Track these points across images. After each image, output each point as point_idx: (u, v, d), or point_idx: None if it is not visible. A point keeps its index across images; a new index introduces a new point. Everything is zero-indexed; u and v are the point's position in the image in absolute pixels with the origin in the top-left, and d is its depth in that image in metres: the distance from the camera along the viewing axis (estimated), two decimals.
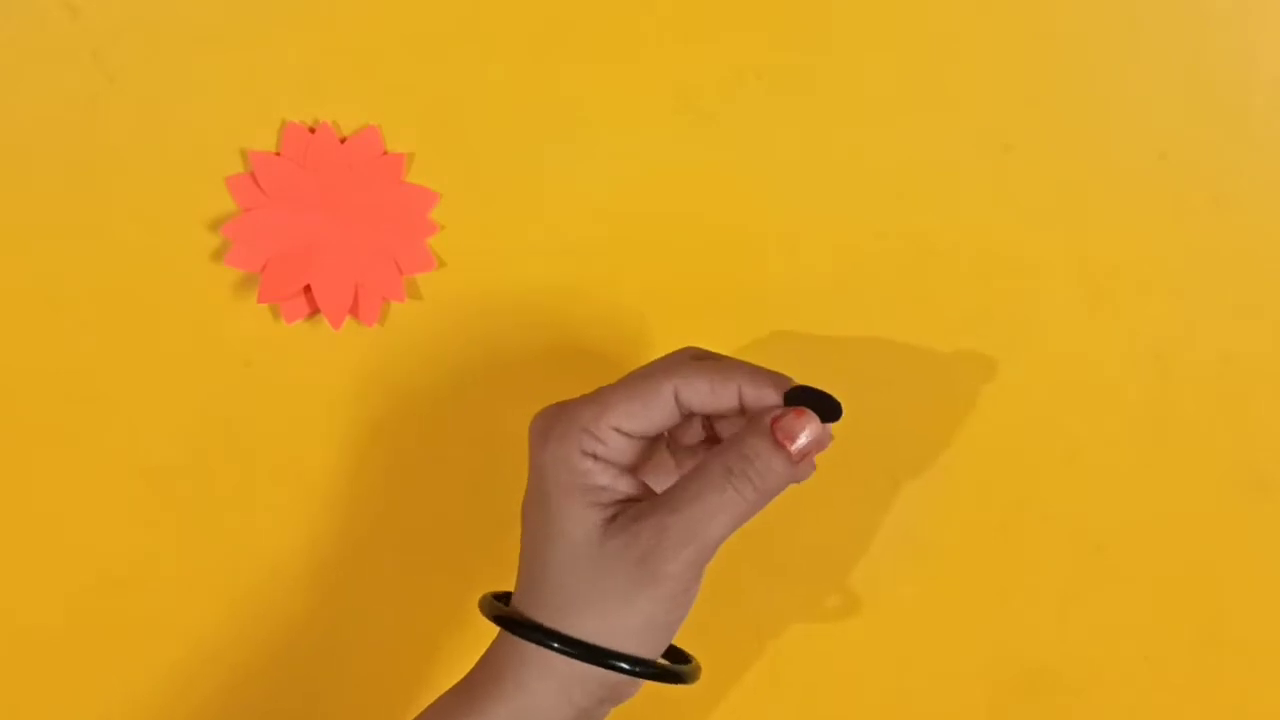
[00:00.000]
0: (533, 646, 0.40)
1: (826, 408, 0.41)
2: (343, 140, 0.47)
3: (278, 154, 0.47)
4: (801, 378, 0.48)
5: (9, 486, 0.50)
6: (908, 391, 0.48)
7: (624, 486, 0.41)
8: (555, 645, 0.39)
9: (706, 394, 0.41)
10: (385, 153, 0.47)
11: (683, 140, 0.47)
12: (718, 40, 0.46)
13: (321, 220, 0.47)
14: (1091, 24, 0.46)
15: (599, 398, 0.41)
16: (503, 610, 0.41)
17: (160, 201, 0.48)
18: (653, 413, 0.41)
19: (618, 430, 0.41)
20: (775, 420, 0.40)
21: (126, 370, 0.49)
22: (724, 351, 0.42)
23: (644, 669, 0.40)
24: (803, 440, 0.40)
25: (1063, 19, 0.46)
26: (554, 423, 0.41)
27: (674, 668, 0.42)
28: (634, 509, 0.40)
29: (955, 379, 0.48)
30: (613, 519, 0.40)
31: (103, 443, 0.49)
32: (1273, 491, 0.48)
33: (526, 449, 0.41)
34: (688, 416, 0.42)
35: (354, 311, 0.48)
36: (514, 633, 0.40)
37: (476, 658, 0.41)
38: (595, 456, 0.40)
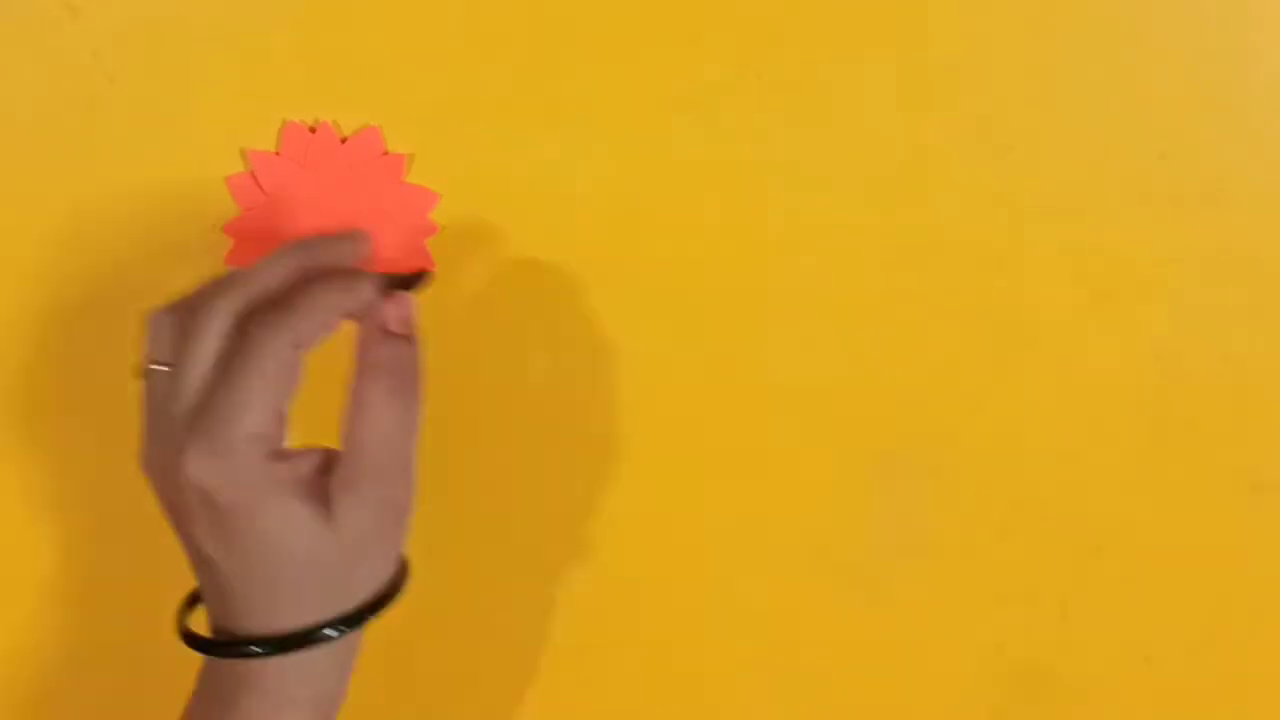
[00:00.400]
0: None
1: (407, 280, 0.42)
2: (343, 140, 0.47)
3: (278, 154, 0.47)
4: (802, 378, 0.48)
5: (10, 488, 0.50)
6: (907, 391, 0.48)
7: (306, 462, 0.40)
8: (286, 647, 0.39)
9: (323, 330, 0.40)
10: (385, 153, 0.47)
11: (683, 140, 0.47)
12: (718, 40, 0.46)
13: (321, 220, 0.47)
14: (1092, 24, 0.46)
15: (239, 399, 0.38)
16: (221, 638, 0.40)
17: (160, 201, 0.48)
18: (295, 380, 0.40)
19: (281, 414, 0.39)
20: (389, 322, 0.42)
21: (126, 371, 0.49)
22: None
23: (361, 617, 0.41)
24: (415, 319, 0.42)
25: (1063, 19, 0.46)
26: (199, 442, 0.38)
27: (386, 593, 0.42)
28: (336, 479, 0.40)
29: (955, 379, 0.48)
30: (325, 503, 0.39)
31: (105, 445, 0.49)
32: (1273, 491, 0.48)
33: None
34: None
35: None
36: (243, 655, 0.40)
37: None
38: (280, 455, 0.39)
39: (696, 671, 0.51)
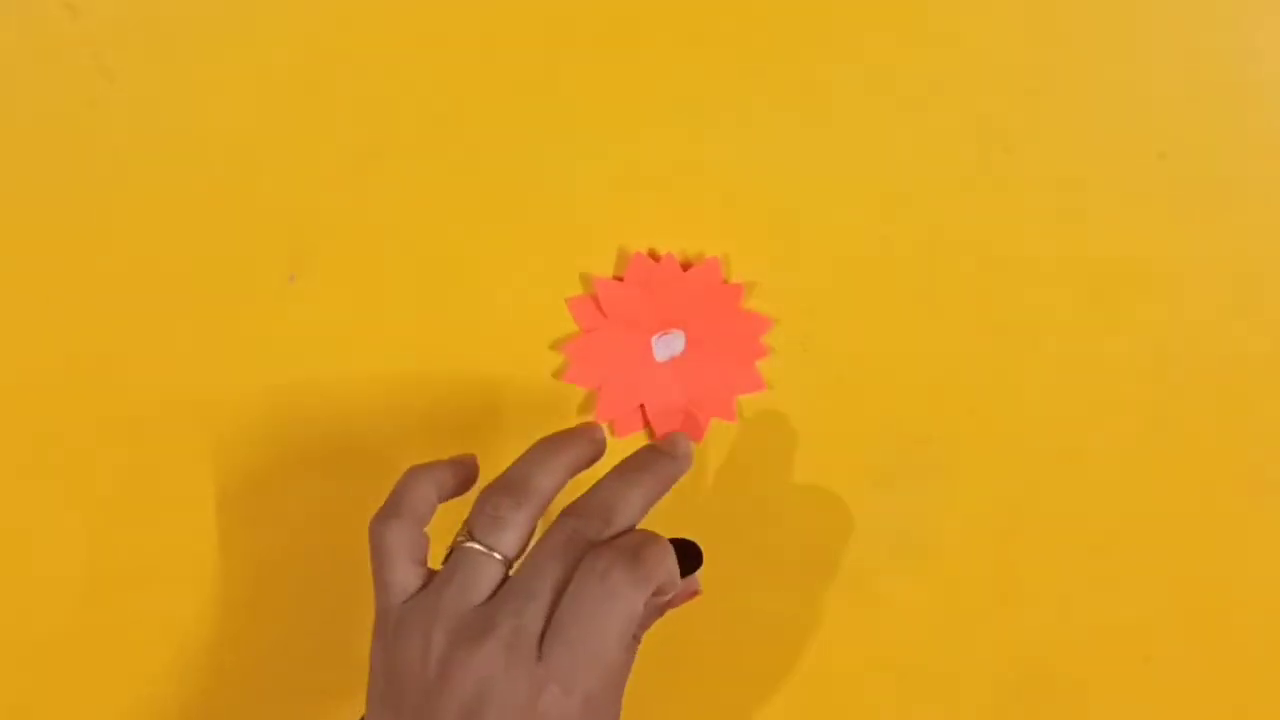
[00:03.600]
0: None
1: (688, 557, 0.42)
2: (685, 268, 0.47)
3: (620, 279, 0.47)
4: (802, 378, 0.48)
5: (10, 490, 0.50)
6: (907, 391, 0.48)
7: None
8: None
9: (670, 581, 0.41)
10: (725, 282, 0.48)
11: (683, 140, 0.47)
12: (718, 40, 0.46)
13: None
14: (1091, 24, 0.46)
15: (597, 649, 0.39)
16: None
17: (161, 200, 0.48)
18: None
19: None
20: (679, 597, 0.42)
21: (126, 372, 0.49)
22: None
23: None
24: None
25: (1063, 19, 0.46)
26: (555, 673, 0.39)
27: None
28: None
29: (955, 379, 0.48)
30: None
31: (106, 443, 0.49)
32: (1273, 491, 0.48)
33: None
34: None
35: (681, 429, 0.48)
36: None
37: None
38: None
39: (698, 670, 0.51)
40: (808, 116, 0.47)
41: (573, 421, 0.49)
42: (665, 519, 0.50)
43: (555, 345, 0.48)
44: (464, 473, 0.44)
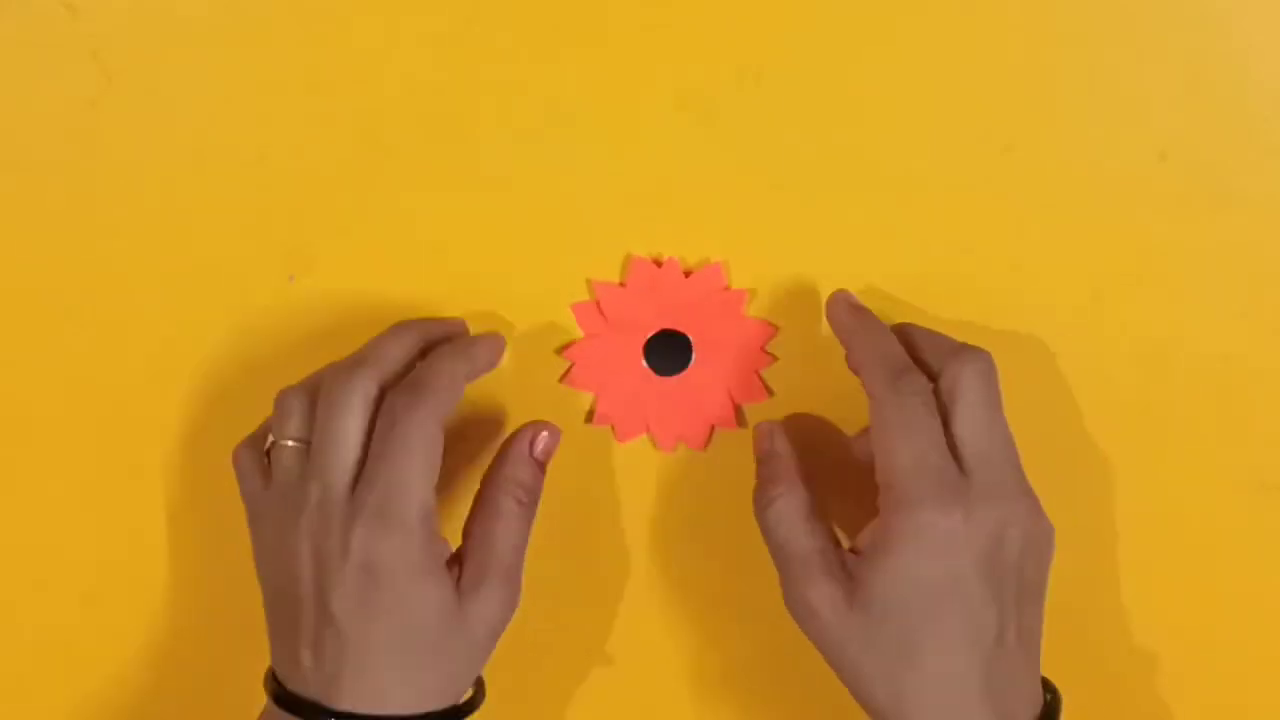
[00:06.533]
0: None
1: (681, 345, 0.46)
2: (687, 274, 0.47)
3: (622, 285, 0.47)
4: (802, 378, 0.48)
5: (13, 492, 0.50)
6: None
7: (446, 550, 0.43)
8: None
9: (454, 402, 0.43)
10: (727, 288, 0.47)
11: (683, 140, 0.47)
12: (718, 40, 0.46)
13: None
14: (1091, 24, 0.46)
15: (402, 477, 0.41)
16: (331, 710, 0.41)
17: (161, 200, 0.48)
18: (439, 454, 0.42)
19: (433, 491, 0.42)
20: (534, 446, 0.46)
21: (126, 372, 0.49)
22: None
23: (472, 704, 0.43)
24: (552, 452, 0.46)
25: (1063, 19, 0.46)
26: (369, 516, 0.41)
27: (476, 692, 0.44)
28: (467, 574, 0.42)
29: None
30: (457, 591, 0.42)
31: (107, 444, 0.49)
32: (1273, 491, 0.48)
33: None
34: None
35: (683, 436, 0.48)
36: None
37: None
38: (439, 536, 0.42)
39: (701, 668, 0.51)
40: (807, 116, 0.47)
41: (578, 426, 0.49)
42: (672, 521, 0.50)
43: (559, 350, 0.48)
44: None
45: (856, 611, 0.41)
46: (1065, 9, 0.46)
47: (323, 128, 0.47)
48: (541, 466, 0.46)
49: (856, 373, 0.44)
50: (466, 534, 0.44)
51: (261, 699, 0.43)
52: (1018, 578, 0.42)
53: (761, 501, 0.44)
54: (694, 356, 0.48)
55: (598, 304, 0.47)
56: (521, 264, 0.48)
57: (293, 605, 0.42)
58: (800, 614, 0.42)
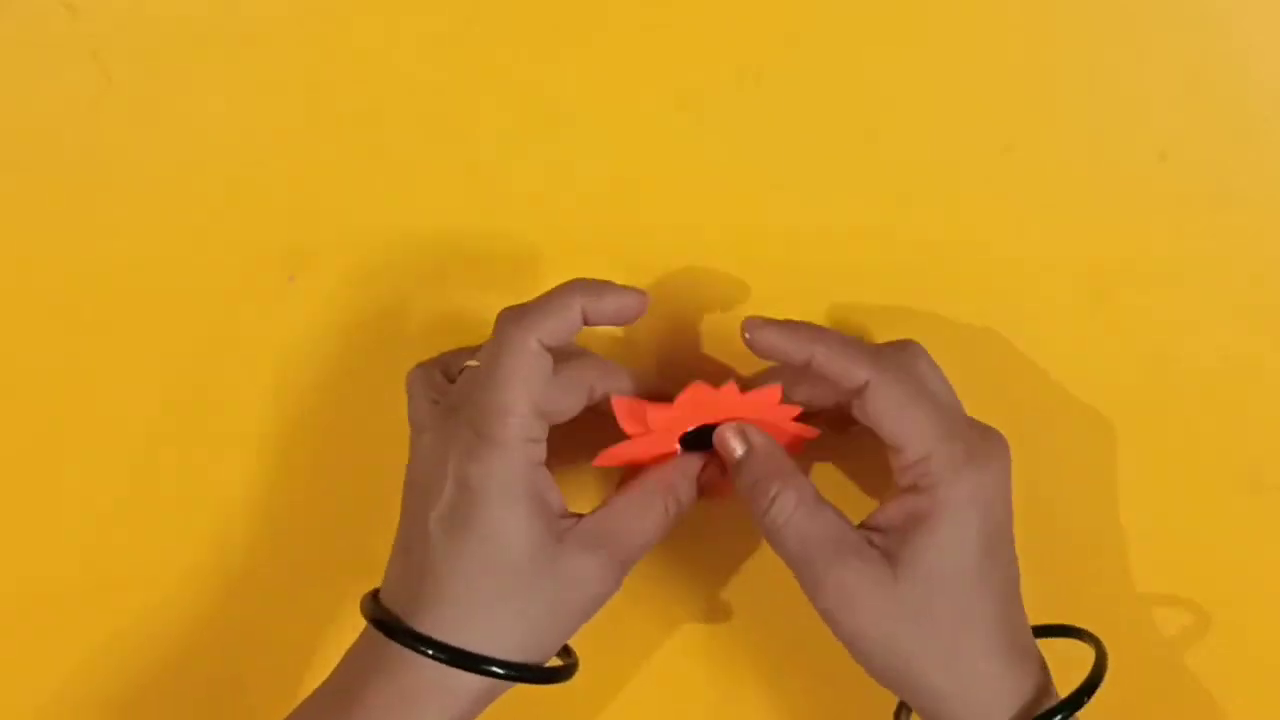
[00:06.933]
0: (416, 656, 0.40)
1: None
2: (743, 391, 0.44)
3: (676, 407, 0.44)
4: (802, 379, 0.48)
5: (10, 490, 0.50)
6: None
7: (558, 498, 0.42)
8: (455, 662, 0.40)
9: (561, 325, 0.42)
10: (780, 403, 0.44)
11: (683, 140, 0.47)
12: (718, 40, 0.46)
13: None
14: (1091, 24, 0.46)
15: (497, 397, 0.41)
16: (389, 617, 0.41)
17: (161, 200, 0.48)
18: (542, 375, 0.41)
19: (539, 414, 0.41)
20: (701, 473, 0.44)
21: (126, 372, 0.49)
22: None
23: (556, 674, 0.42)
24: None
25: (1063, 19, 0.46)
26: (468, 434, 0.41)
27: (564, 665, 0.43)
28: (580, 529, 0.42)
29: (954, 379, 0.48)
30: (561, 538, 0.41)
31: (107, 444, 0.49)
32: (1273, 491, 0.48)
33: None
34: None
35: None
36: (404, 642, 0.40)
37: None
38: (541, 464, 0.41)
39: (701, 669, 0.51)
40: (807, 117, 0.47)
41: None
42: (689, 529, 0.50)
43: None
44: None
45: (904, 589, 0.40)
46: (1065, 9, 0.46)
47: (323, 128, 0.47)
48: (702, 494, 0.45)
49: (826, 373, 0.42)
50: (606, 502, 0.43)
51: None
52: (1011, 520, 0.42)
53: (761, 504, 0.42)
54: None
55: (644, 408, 0.44)
56: (521, 264, 0.48)
57: (404, 519, 0.42)
58: (835, 604, 0.41)
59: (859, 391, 0.42)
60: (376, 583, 0.43)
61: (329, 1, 0.47)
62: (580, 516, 0.43)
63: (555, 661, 0.43)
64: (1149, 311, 0.48)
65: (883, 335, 0.48)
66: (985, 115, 0.47)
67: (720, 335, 0.48)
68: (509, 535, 0.40)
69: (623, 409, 0.44)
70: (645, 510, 0.43)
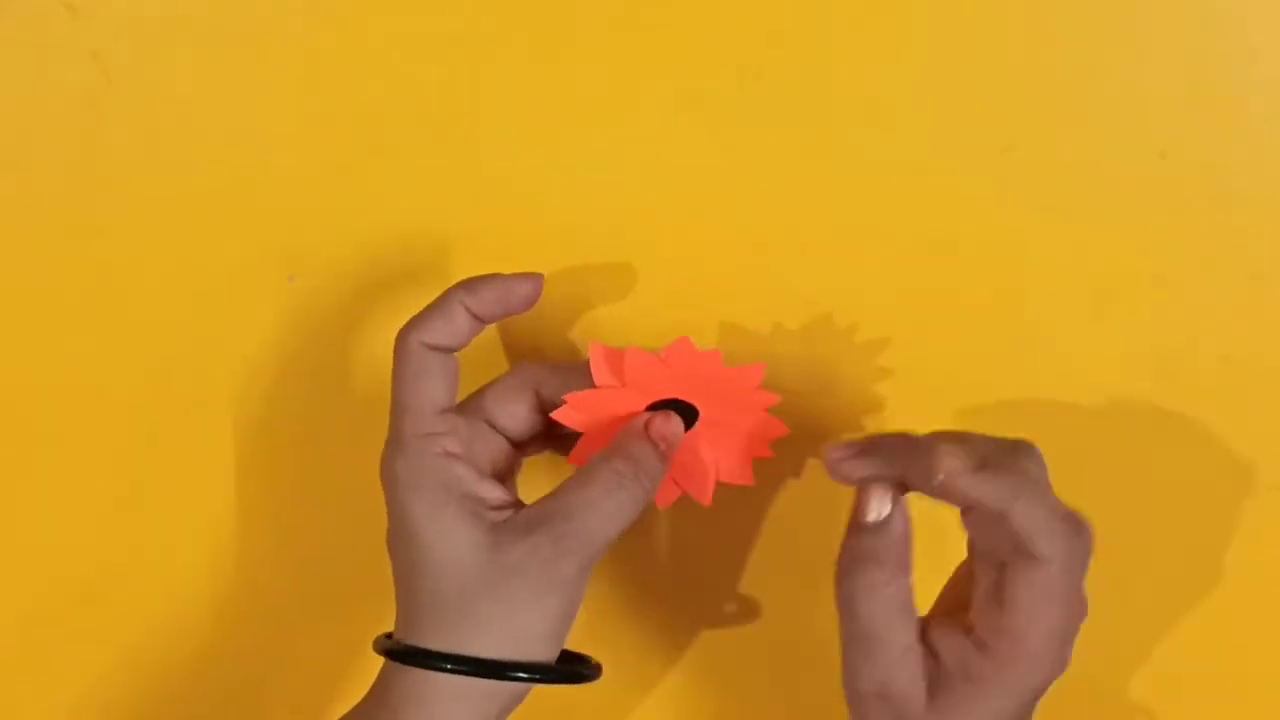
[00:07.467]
0: (430, 673, 0.40)
1: (686, 414, 0.44)
2: (725, 369, 0.44)
3: (660, 358, 0.43)
4: (802, 378, 0.48)
5: (10, 490, 0.50)
6: (908, 391, 0.48)
7: (494, 493, 0.42)
8: (459, 669, 0.40)
9: (448, 326, 0.43)
10: (759, 388, 0.44)
11: (683, 140, 0.47)
12: (718, 40, 0.46)
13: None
14: (1091, 24, 0.46)
15: (396, 400, 0.42)
16: (394, 644, 0.41)
17: (160, 200, 0.48)
18: (433, 376, 0.42)
19: (441, 414, 0.42)
20: (650, 425, 0.43)
21: (126, 372, 0.49)
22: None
23: (548, 674, 0.41)
24: (674, 442, 0.43)
25: (1063, 19, 0.46)
26: (388, 443, 0.42)
27: (579, 669, 0.43)
28: (516, 517, 0.41)
29: (955, 379, 0.48)
30: (495, 529, 0.40)
31: (109, 442, 0.49)
32: (1273, 491, 0.48)
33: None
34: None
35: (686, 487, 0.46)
36: (413, 663, 0.40)
37: None
38: (453, 458, 0.41)
39: (706, 667, 0.51)
40: (807, 117, 0.47)
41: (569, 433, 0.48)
42: (685, 528, 0.50)
43: (556, 349, 0.48)
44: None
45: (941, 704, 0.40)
46: (1065, 9, 0.46)
47: (323, 128, 0.47)
48: (659, 451, 0.42)
49: (1017, 531, 0.39)
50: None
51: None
52: None
53: (861, 580, 0.40)
54: (698, 424, 0.45)
55: (622, 359, 0.43)
56: (521, 263, 0.48)
57: None
58: (864, 697, 0.40)
59: (996, 523, 0.40)
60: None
61: (329, 2, 0.47)
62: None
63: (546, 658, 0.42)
64: (1149, 311, 0.48)
65: (882, 334, 0.48)
66: (985, 115, 0.47)
67: (719, 335, 0.48)
68: (428, 537, 0.40)
69: (598, 355, 0.43)
70: (588, 482, 0.41)
